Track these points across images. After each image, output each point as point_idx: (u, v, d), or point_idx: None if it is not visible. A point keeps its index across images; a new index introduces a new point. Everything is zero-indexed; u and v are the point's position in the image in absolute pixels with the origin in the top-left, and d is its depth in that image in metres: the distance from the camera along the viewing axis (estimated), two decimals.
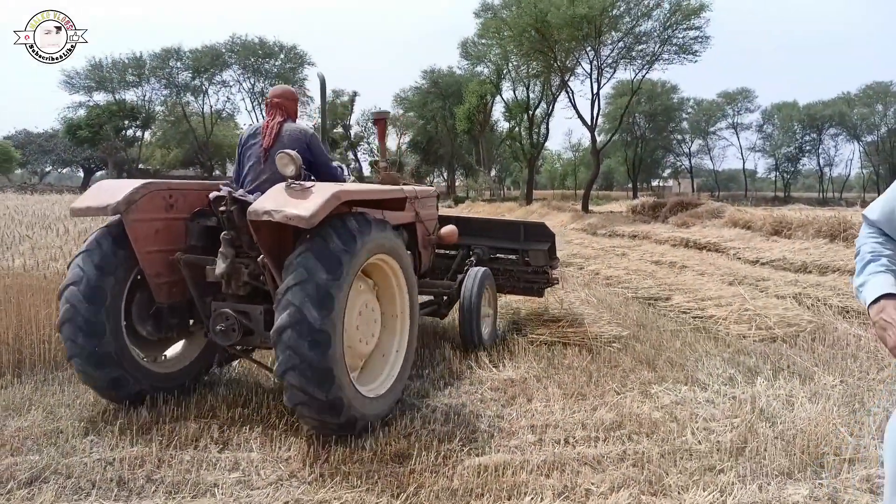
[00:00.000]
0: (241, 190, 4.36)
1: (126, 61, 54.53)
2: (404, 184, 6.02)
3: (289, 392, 3.65)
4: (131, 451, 3.71)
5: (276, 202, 3.73)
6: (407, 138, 75.25)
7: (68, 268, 4.25)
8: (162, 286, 4.36)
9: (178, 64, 55.47)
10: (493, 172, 68.53)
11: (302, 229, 3.74)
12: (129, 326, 4.32)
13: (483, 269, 6.26)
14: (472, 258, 6.72)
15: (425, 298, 6.25)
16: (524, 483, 3.43)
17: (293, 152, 4.10)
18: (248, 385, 4.94)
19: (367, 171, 76.88)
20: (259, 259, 4.08)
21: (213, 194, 4.41)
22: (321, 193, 3.76)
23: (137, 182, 4.27)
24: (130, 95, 56.65)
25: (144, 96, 57.12)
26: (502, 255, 7.13)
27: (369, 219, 4.07)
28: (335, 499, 3.23)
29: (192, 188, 4.62)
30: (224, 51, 55.61)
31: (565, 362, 5.66)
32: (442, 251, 6.89)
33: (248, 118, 58.68)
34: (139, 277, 4.35)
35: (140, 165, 59.29)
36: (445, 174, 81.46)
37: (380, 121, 6.87)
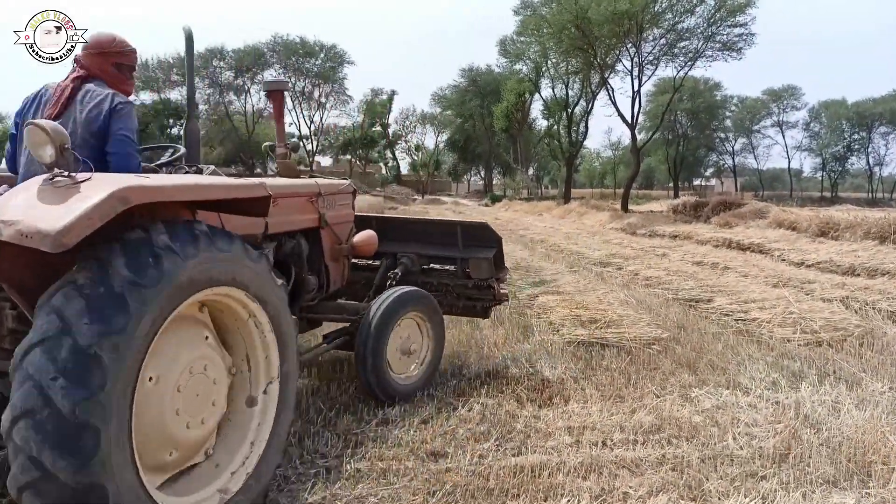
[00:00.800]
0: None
1: (171, 61, 55.83)
2: (311, 176, 4.89)
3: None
4: None
5: (16, 208, 2.30)
6: (444, 137, 75.53)
7: None
8: None
9: (222, 63, 56.58)
10: (530, 171, 68.24)
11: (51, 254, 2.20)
12: None
13: (405, 289, 4.69)
14: (396, 272, 5.22)
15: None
16: (560, 485, 3.41)
17: (51, 124, 2.60)
18: None
19: (405, 169, 77.49)
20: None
21: None
22: (93, 192, 2.30)
23: None
24: (175, 94, 58.04)
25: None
26: (438, 266, 5.61)
27: (196, 231, 2.62)
28: (371, 495, 3.26)
29: None
30: (266, 50, 56.50)
31: (603, 363, 5.60)
32: (369, 261, 5.55)
33: (289, 116, 59.53)
34: None
35: None
36: (483, 173, 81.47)
37: (275, 93, 5.00)
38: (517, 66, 48.27)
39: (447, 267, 5.54)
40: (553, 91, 47.41)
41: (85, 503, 2.19)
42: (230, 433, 3.03)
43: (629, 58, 31.94)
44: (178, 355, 2.67)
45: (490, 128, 64.09)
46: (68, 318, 2.22)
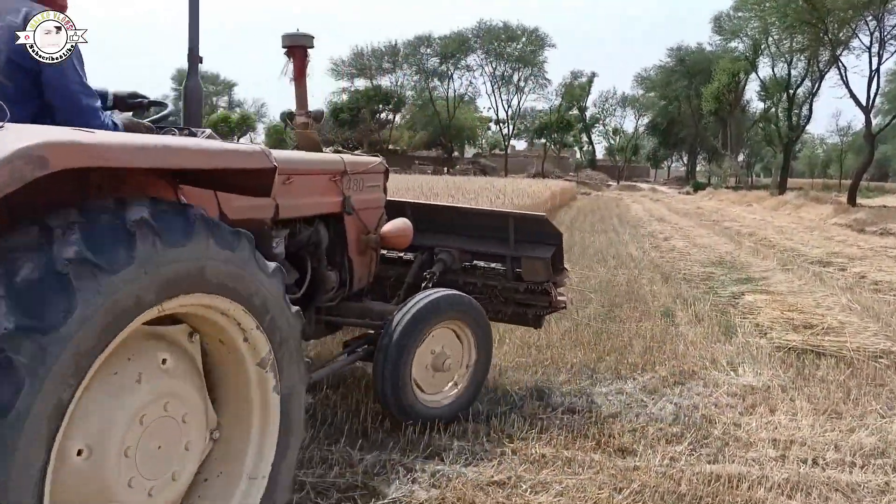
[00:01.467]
0: None
1: (383, 49, 59.54)
2: (337, 151, 4.23)
3: None
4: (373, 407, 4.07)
5: None
6: (645, 120, 72.35)
7: None
8: None
9: (428, 50, 59.14)
10: (740, 157, 63.18)
11: None
12: None
13: (440, 293, 3.86)
14: (433, 271, 4.41)
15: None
16: (762, 500, 3.15)
17: None
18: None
19: (601, 154, 75.55)
20: None
21: None
22: None
23: None
24: (385, 81, 61.84)
25: (397, 82, 62.03)
26: (483, 264, 4.75)
27: (190, 214, 1.91)
28: (556, 482, 3.25)
29: None
30: (470, 36, 58.03)
31: (818, 374, 5.06)
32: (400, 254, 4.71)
33: (487, 101, 60.82)
34: None
35: (389, 146, 64.54)
36: (686, 158, 76.91)
37: (296, 49, 4.09)
38: (732, 44, 45.00)
39: (494, 265, 4.65)
40: (773, 70, 43.45)
41: None
42: (217, 473, 2.27)
43: (867, 32, 28.23)
44: (135, 389, 1.86)
45: (697, 110, 60.26)
46: None
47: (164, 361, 1.98)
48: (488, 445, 3.64)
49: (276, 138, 67.51)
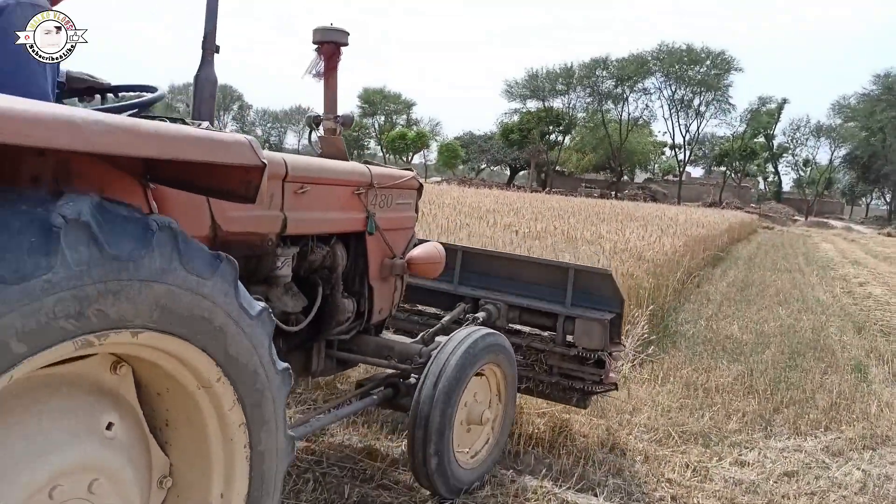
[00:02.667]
0: None
1: (558, 71, 59.58)
2: (366, 162, 3.48)
3: None
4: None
5: None
6: (842, 151, 65.78)
7: None
8: None
9: (604, 73, 58.26)
10: None
11: None
12: None
13: (482, 331, 3.25)
14: (476, 316, 3.85)
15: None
16: None
17: None
18: (639, 397, 4.93)
19: (787, 185, 69.72)
20: None
21: None
22: None
23: None
24: (557, 103, 61.81)
25: (569, 103, 61.76)
26: (526, 326, 4.08)
27: (115, 211, 1.40)
28: None
29: None
30: (650, 58, 56.39)
31: None
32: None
33: (663, 125, 58.66)
34: None
35: (557, 167, 64.24)
36: (888, 196, 68.80)
37: (327, 46, 3.50)
38: None
39: (538, 329, 4.00)
40: None
41: None
42: None
43: None
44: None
45: None
46: None
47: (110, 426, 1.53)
48: (645, 487, 3.49)
49: (448, 156, 70.13)
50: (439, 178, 67.98)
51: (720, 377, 5.42)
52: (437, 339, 3.36)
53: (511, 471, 3.45)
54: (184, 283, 1.48)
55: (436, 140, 75.67)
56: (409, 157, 71.67)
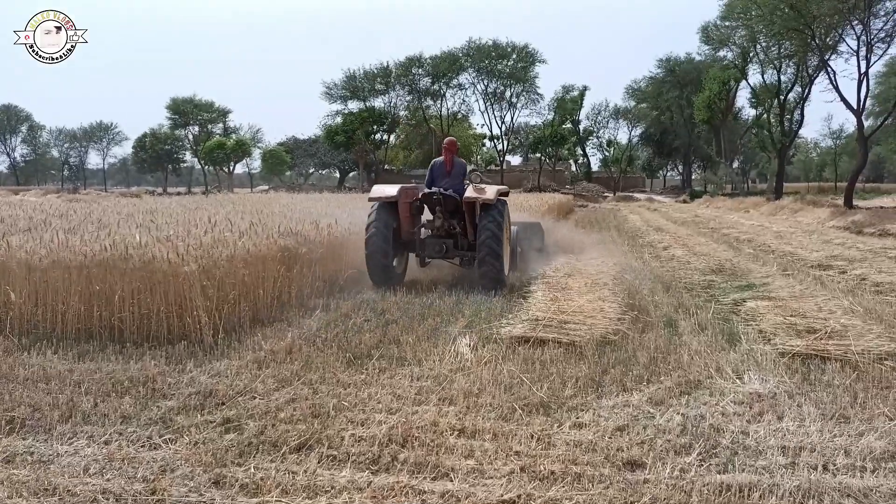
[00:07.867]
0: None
1: (375, 71, 59.84)
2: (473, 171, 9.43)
3: (482, 267, 8.61)
4: (380, 429, 4.05)
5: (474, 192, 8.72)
6: (638, 131, 72.66)
7: (367, 229, 8.83)
8: (406, 231, 9.35)
9: (420, 71, 59.46)
10: (735, 164, 63.37)
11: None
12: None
13: None
14: None
15: None
16: None
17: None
18: (483, 379, 5.12)
19: (596, 166, 75.65)
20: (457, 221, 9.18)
21: (425, 191, 9.33)
22: (490, 189, 8.77)
23: (398, 186, 9.26)
24: (378, 102, 62.10)
25: (390, 102, 62.31)
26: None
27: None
28: (566, 498, 3.24)
29: (411, 188, 9.51)
30: (461, 55, 58.37)
31: (824, 378, 5.04)
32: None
33: (480, 118, 61.07)
34: (395, 227, 9.01)
35: (385, 166, 64.64)
36: (680, 167, 77.12)
37: None
38: (721, 53, 45.18)
39: None
40: (762, 77, 43.52)
41: (498, 259, 8.87)
42: None
43: (854, 36, 28.36)
44: None
45: (689, 119, 60.64)
46: (489, 228, 9.33)
47: None
48: (497, 464, 3.62)
49: (273, 163, 67.82)
50: (266, 187, 65.76)
51: (553, 349, 5.76)
52: None
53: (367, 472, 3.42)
54: None
55: (258, 147, 73.09)
56: (231, 168, 68.54)
